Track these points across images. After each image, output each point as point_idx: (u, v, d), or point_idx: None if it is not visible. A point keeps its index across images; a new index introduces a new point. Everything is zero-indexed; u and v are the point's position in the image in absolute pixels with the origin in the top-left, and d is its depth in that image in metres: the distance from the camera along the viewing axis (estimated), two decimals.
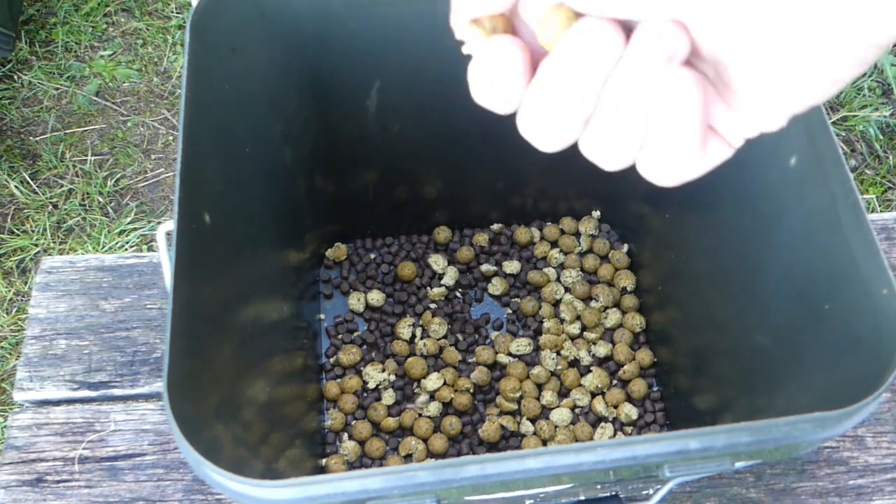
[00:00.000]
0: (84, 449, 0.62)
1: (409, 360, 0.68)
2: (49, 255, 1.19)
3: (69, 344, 0.66)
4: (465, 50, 0.24)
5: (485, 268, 0.72)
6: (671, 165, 0.23)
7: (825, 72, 0.22)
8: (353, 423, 0.66)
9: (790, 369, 0.48)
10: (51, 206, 1.25)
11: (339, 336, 0.70)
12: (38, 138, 1.31)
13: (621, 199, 0.71)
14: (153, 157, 1.30)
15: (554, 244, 0.74)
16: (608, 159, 0.23)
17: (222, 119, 0.51)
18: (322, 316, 0.71)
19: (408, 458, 0.64)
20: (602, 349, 0.68)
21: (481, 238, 0.73)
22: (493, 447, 0.65)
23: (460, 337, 0.69)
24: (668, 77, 0.22)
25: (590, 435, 0.64)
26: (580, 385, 0.67)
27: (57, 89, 1.36)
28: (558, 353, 0.68)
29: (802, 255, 0.47)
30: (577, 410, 0.66)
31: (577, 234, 0.74)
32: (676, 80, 0.22)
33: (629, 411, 0.65)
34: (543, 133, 0.23)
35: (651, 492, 0.51)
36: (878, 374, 0.38)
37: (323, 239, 0.73)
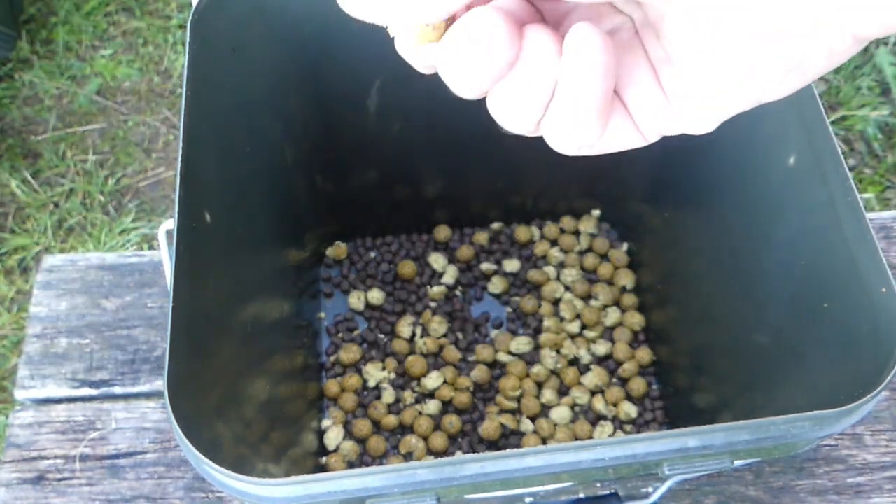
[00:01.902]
0: (85, 447, 0.62)
1: (409, 358, 0.68)
2: (50, 253, 1.19)
3: (70, 342, 0.66)
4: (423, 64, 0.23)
5: (485, 266, 0.72)
6: (565, 130, 0.22)
7: (789, 63, 0.20)
8: (354, 421, 0.66)
9: (789, 368, 0.48)
10: (52, 205, 1.25)
11: (340, 334, 0.70)
12: (39, 137, 1.32)
13: (621, 198, 0.72)
14: (154, 156, 1.30)
15: (554, 243, 0.74)
16: (511, 119, 0.22)
17: (223, 118, 0.51)
18: (322, 314, 0.71)
19: (408, 456, 0.64)
20: (602, 348, 0.68)
21: (481, 237, 0.74)
22: (492, 445, 0.65)
23: (460, 335, 0.70)
24: (573, 35, 0.20)
25: (589, 433, 0.65)
26: (580, 383, 0.67)
27: (58, 88, 1.36)
28: (558, 352, 0.68)
29: (801, 253, 0.48)
30: (576, 409, 0.66)
31: (577, 233, 0.74)
32: (581, 38, 0.20)
33: (629, 409, 0.65)
34: (465, 85, 0.22)
35: (650, 490, 0.51)
36: (876, 372, 0.38)
37: (323, 238, 0.73)
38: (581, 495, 0.50)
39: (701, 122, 0.23)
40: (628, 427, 0.66)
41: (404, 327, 0.69)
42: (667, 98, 0.23)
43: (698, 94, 0.22)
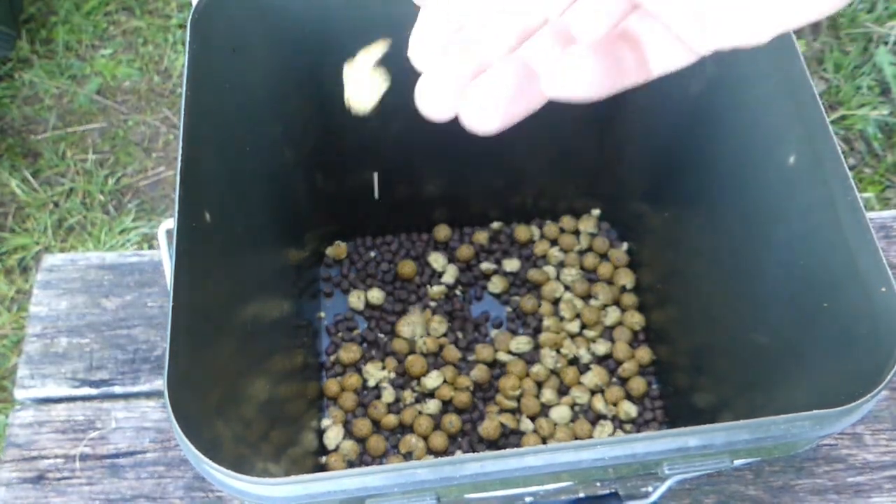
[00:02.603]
0: (85, 446, 0.62)
1: (409, 358, 0.68)
2: (50, 253, 1.19)
3: (70, 342, 0.66)
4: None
5: (485, 266, 0.72)
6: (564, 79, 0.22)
7: None
8: (354, 420, 0.66)
9: (789, 367, 0.48)
10: (52, 205, 1.25)
11: (340, 334, 0.70)
12: (39, 137, 1.32)
13: (621, 197, 0.72)
14: (154, 155, 1.30)
15: (554, 242, 0.74)
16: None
17: (222, 118, 0.51)
18: (322, 314, 0.71)
19: (408, 455, 0.64)
20: (601, 347, 0.68)
21: (481, 236, 0.74)
22: (492, 445, 0.65)
23: (460, 335, 0.70)
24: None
25: (589, 433, 0.65)
26: (580, 383, 0.67)
27: (58, 88, 1.36)
28: (558, 351, 0.68)
29: (801, 253, 0.48)
30: (576, 408, 0.66)
31: (577, 233, 0.74)
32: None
33: (628, 409, 0.65)
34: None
35: (650, 489, 0.51)
36: (876, 371, 0.38)
37: (323, 237, 0.73)
38: (581, 495, 0.50)
39: (749, 35, 0.21)
40: (628, 426, 0.66)
41: (404, 327, 0.69)
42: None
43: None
